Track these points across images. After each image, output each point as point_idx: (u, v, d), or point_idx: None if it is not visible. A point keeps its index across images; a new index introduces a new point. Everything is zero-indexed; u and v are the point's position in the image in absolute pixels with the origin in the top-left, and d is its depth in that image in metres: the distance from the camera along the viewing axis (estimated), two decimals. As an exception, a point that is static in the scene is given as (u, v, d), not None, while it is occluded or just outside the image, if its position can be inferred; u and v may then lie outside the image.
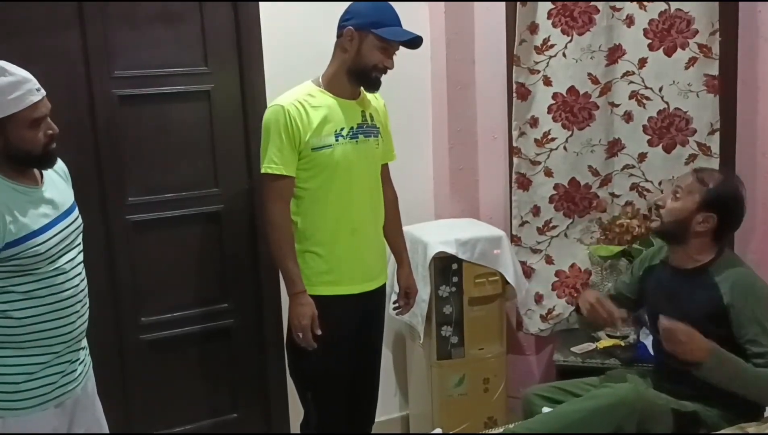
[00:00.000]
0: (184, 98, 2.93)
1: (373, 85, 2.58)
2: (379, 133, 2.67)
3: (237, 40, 2.98)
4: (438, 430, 2.50)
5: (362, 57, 2.49)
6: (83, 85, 2.78)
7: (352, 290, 2.62)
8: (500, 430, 2.25)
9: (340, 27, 2.54)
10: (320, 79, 2.58)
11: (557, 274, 3.49)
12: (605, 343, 3.22)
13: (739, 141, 3.22)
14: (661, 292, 2.43)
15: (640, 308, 2.71)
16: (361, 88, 2.61)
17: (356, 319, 2.65)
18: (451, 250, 3.10)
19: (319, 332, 2.50)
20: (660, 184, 3.27)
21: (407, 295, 2.86)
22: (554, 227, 3.45)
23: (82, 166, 2.75)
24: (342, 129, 2.53)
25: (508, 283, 3.23)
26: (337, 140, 2.52)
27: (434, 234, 3.22)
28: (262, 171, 2.51)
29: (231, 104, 3.00)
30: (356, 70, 2.52)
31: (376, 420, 2.94)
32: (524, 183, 3.41)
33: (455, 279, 3.15)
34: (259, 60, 2.99)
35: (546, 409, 2.31)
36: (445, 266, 3.14)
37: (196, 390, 3.13)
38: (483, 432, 2.72)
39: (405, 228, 3.15)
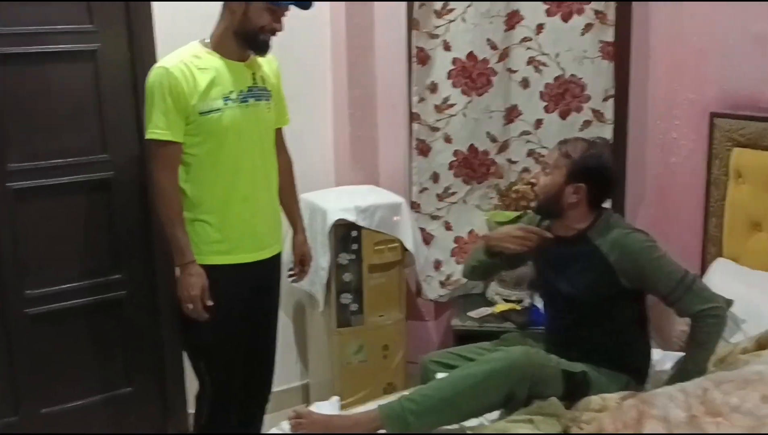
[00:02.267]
0: (68, 58, 2.82)
1: (261, 49, 2.53)
2: (270, 97, 2.63)
3: (124, -5, 2.88)
4: (335, 398, 2.54)
5: (249, 19, 2.45)
6: (-45, 40, 2.64)
7: (245, 259, 2.60)
8: (396, 396, 2.30)
9: None
10: (208, 40, 2.54)
11: (456, 240, 3.59)
12: (501, 307, 3.35)
13: (631, 107, 3.38)
14: (547, 261, 2.55)
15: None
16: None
17: (249, 289, 2.64)
18: (351, 217, 3.14)
19: (210, 303, 2.49)
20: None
21: (302, 263, 2.88)
22: (453, 194, 3.54)
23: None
24: (231, 92, 2.49)
25: (407, 250, 3.30)
26: (225, 104, 2.47)
27: (334, 201, 3.25)
28: (147, 136, 2.46)
29: (119, 65, 2.91)
30: (243, 33, 2.48)
31: (276, 389, 2.98)
32: (424, 149, 3.48)
33: (355, 246, 3.20)
34: (149, 19, 2.90)
35: (440, 375, 2.36)
36: (345, 234, 3.18)
37: (88, 364, 3.07)
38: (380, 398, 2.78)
39: (304, 195, 3.21)
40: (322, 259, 3.16)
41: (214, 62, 2.49)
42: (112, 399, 3.14)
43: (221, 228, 2.55)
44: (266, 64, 2.66)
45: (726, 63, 3.01)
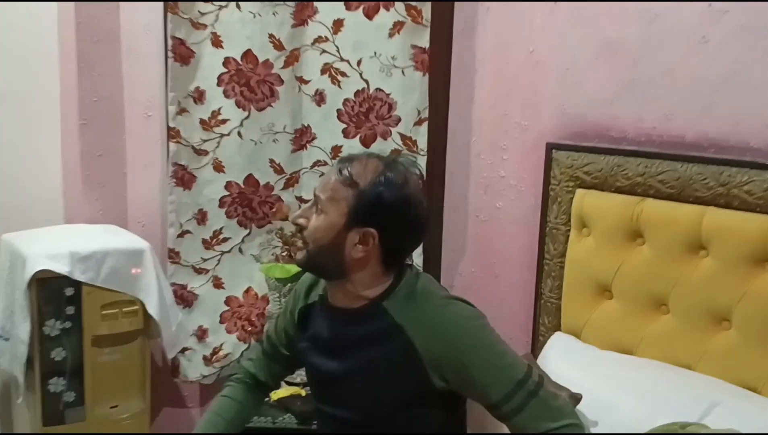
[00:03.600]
0: None
1: None
2: None
3: None
4: None
5: None
6: None
7: None
8: None
9: None
10: None
11: (228, 301, 2.83)
12: (281, 392, 2.56)
13: (450, 135, 2.75)
14: (319, 348, 1.77)
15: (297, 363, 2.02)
16: None
17: None
18: (62, 268, 2.30)
19: None
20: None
21: None
22: (226, 240, 2.80)
23: None
24: None
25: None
26: None
27: (44, 243, 2.41)
28: None
29: None
30: None
31: None
32: (186, 179, 2.70)
33: (71, 310, 2.36)
34: None
35: None
36: (55, 291, 2.34)
37: None
38: None
39: (4, 236, 2.49)
40: (21, 327, 2.28)
41: None
42: None
43: None
44: None
45: (568, 79, 2.44)
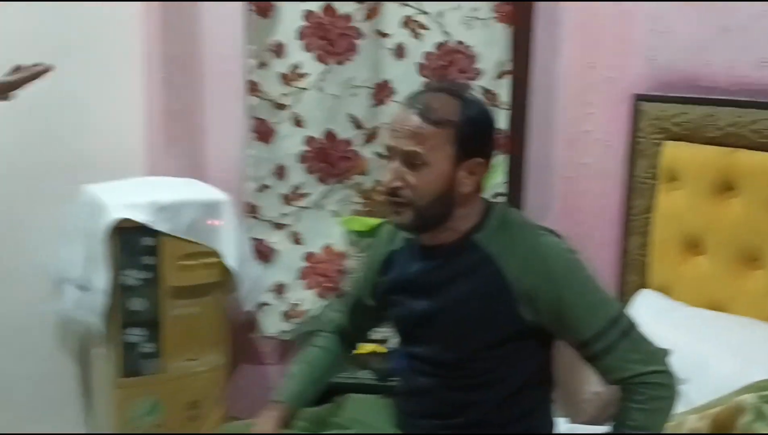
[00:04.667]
0: None
1: None
2: None
3: None
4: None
5: None
6: None
7: None
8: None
9: None
10: None
11: (307, 257, 2.86)
12: (360, 349, 2.56)
13: (534, 89, 2.71)
14: (407, 283, 1.75)
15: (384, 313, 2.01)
16: None
17: None
18: (142, 217, 2.35)
19: None
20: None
21: None
22: (305, 195, 2.82)
23: None
24: None
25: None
26: None
27: (124, 194, 2.46)
28: None
29: None
30: None
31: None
32: (265, 133, 2.74)
33: (149, 260, 2.40)
34: None
35: None
36: (134, 241, 2.38)
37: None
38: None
39: (86, 187, 2.55)
40: (98, 277, 2.34)
41: None
42: None
43: None
44: None
45: (658, 28, 2.36)
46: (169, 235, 2.39)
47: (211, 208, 2.47)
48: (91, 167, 2.67)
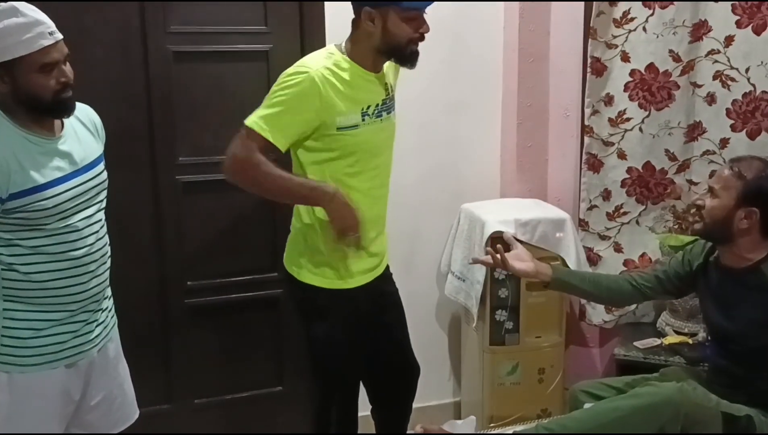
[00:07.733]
0: (241, 57, 3.02)
1: (410, 60, 2.41)
2: (394, 106, 2.55)
3: (299, -1, 3.03)
4: (471, 418, 2.57)
5: (391, 35, 2.33)
6: (137, 38, 2.87)
7: (366, 280, 2.56)
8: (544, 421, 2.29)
9: (356, 7, 2.37)
10: (343, 47, 2.42)
11: (626, 263, 3.52)
12: (672, 339, 3.25)
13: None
14: (710, 294, 2.43)
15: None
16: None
17: (370, 308, 2.60)
18: (510, 230, 3.15)
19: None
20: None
21: None
22: (625, 213, 3.48)
23: (132, 121, 2.90)
24: (368, 107, 2.40)
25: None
26: (363, 120, 2.39)
27: (494, 212, 3.27)
28: (248, 123, 2.31)
29: (290, 66, 3.08)
30: (388, 50, 2.37)
31: (428, 404, 3.03)
32: (595, 165, 3.44)
33: (513, 261, 3.21)
34: (321, 21, 3.05)
35: (588, 406, 2.32)
36: (503, 248, 3.18)
37: (241, 359, 3.26)
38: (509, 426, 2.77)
39: (464, 205, 3.37)
40: (478, 272, 3.20)
41: (354, 74, 2.38)
42: (262, 397, 3.32)
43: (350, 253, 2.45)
44: (386, 65, 2.53)
45: None
46: (527, 243, 3.15)
47: (557, 224, 3.25)
48: (465, 192, 3.49)
